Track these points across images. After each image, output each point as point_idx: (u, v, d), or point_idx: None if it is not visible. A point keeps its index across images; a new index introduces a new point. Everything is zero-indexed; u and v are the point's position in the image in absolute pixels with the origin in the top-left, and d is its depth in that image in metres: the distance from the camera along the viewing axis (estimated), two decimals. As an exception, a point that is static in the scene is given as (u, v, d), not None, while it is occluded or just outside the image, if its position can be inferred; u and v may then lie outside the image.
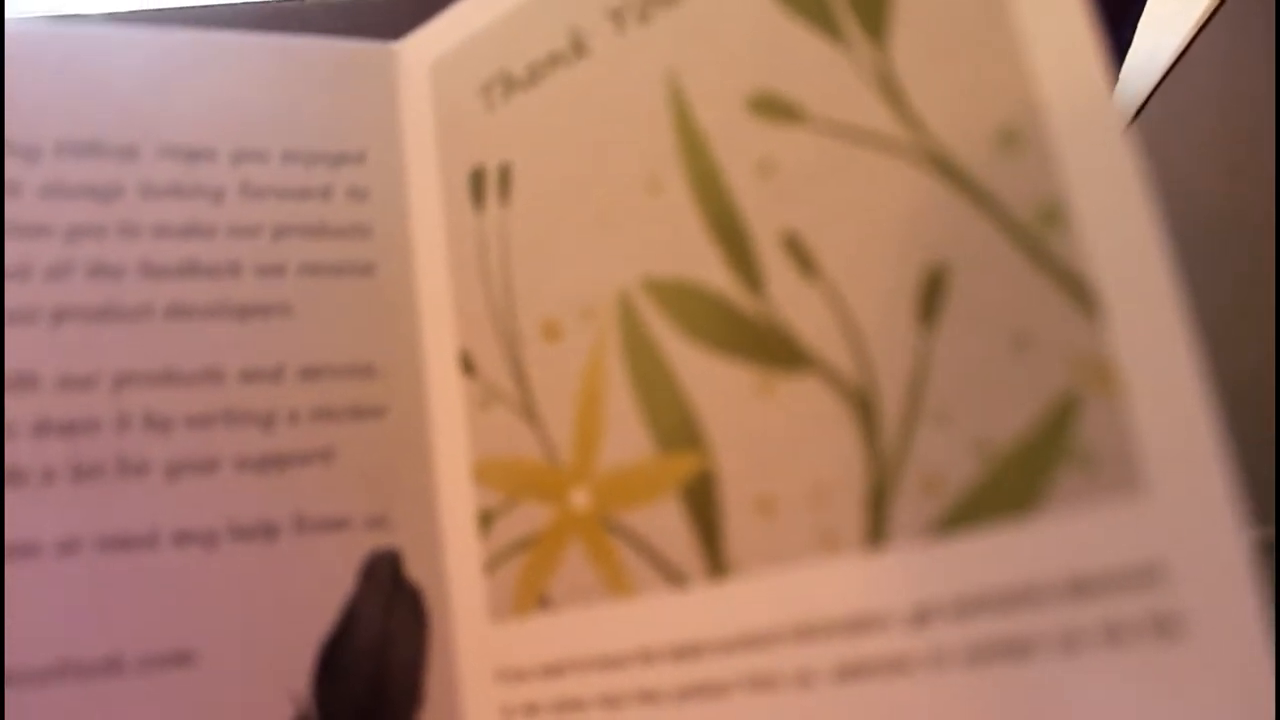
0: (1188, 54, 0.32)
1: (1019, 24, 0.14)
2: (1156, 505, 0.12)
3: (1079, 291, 0.13)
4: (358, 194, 0.19)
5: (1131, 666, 0.12)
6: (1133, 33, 0.28)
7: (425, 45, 0.20)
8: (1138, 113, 0.34)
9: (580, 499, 0.17)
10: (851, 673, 0.14)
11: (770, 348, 0.15)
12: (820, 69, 0.15)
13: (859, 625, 0.14)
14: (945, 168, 0.14)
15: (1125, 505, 0.13)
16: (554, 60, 0.18)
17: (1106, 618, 0.13)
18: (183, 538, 0.17)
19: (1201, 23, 0.32)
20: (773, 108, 0.16)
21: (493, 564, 0.17)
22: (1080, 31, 0.14)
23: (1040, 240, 0.13)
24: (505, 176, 0.18)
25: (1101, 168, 0.13)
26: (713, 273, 0.16)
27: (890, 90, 0.15)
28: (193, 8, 0.25)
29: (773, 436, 0.15)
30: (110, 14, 0.25)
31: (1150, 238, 0.13)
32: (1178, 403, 0.12)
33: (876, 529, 0.14)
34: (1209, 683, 0.12)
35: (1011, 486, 0.13)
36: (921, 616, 0.14)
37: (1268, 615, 0.12)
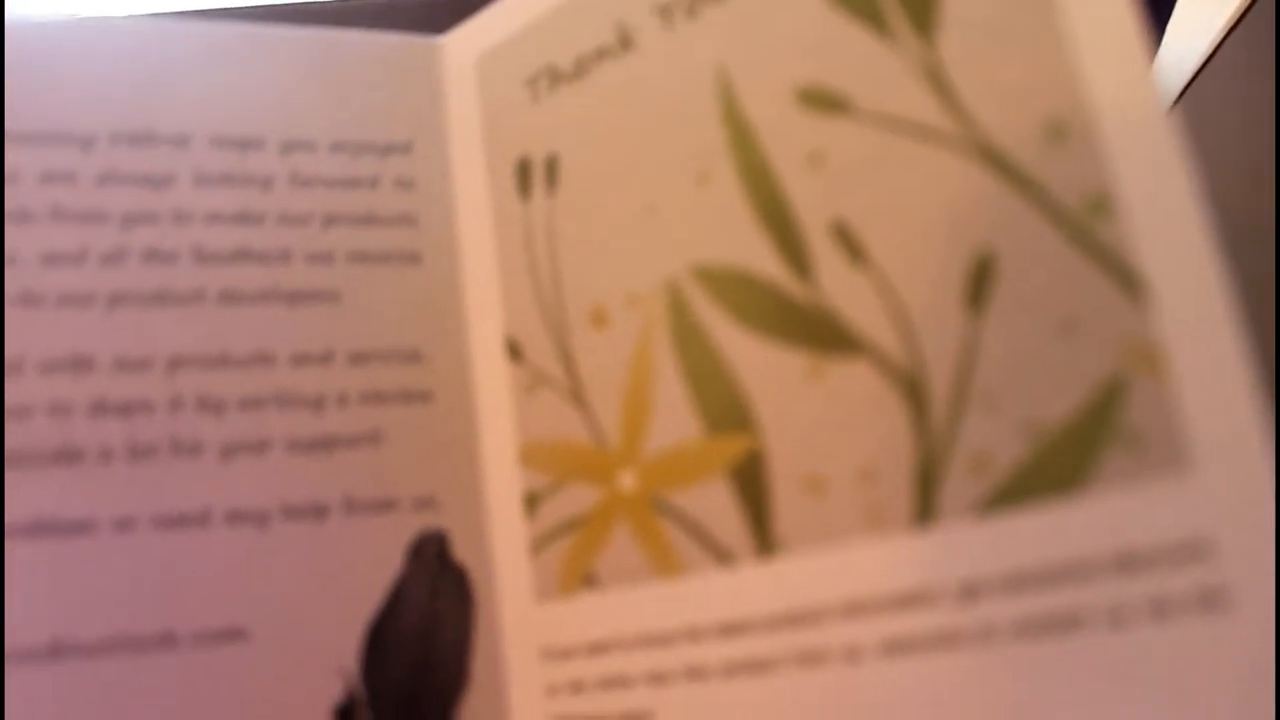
0: (1214, 59, 0.33)
1: (1066, 20, 0.14)
2: (1202, 483, 0.13)
3: (1126, 278, 0.14)
4: (404, 184, 0.20)
5: (1178, 640, 0.13)
6: (1160, 37, 0.29)
7: (471, 39, 0.20)
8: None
9: (628, 480, 0.17)
10: (900, 648, 0.14)
11: (820, 333, 0.16)
12: (869, 63, 0.16)
13: (907, 602, 0.15)
14: (994, 159, 0.15)
15: (1171, 483, 0.13)
16: (601, 54, 0.18)
17: (1153, 592, 0.13)
18: (235, 517, 0.17)
19: (1228, 28, 0.33)
20: (822, 100, 0.16)
21: (539, 545, 0.18)
22: (1126, 26, 0.14)
23: (1087, 229, 0.14)
24: (552, 167, 0.19)
25: (1147, 159, 0.14)
26: (762, 260, 0.16)
27: (939, 84, 0.15)
28: (244, 7, 0.25)
29: (822, 418, 0.15)
30: (158, 13, 0.26)
31: (1195, 226, 0.13)
32: (1222, 384, 0.13)
33: (925, 508, 0.15)
34: (1255, 654, 0.12)
35: (1059, 466, 0.14)
36: (970, 593, 0.14)
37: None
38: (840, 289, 0.16)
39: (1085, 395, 0.14)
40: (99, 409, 0.17)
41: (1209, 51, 0.33)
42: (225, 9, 0.25)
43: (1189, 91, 0.33)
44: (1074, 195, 0.14)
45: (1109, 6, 0.14)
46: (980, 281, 0.14)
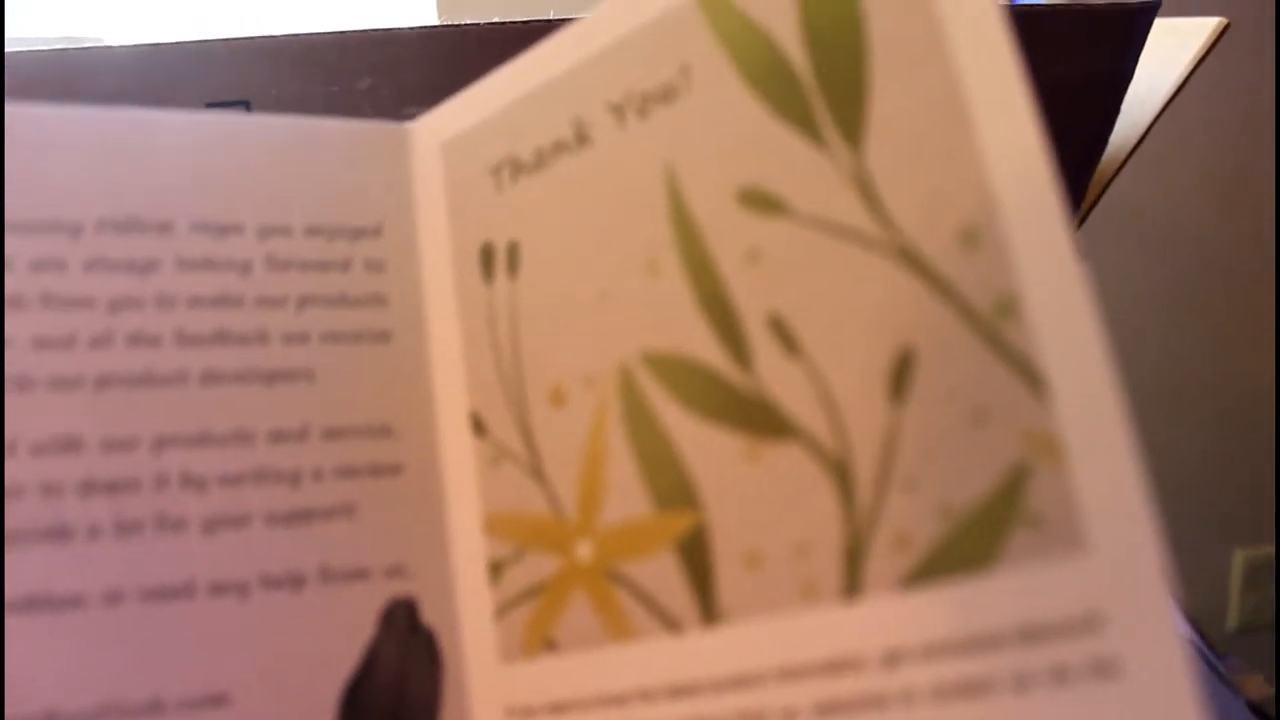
0: (1186, 86, 0.35)
1: (979, 135, 0.16)
2: (1097, 562, 0.15)
3: (1029, 374, 0.15)
4: (375, 266, 0.21)
5: (1075, 704, 0.15)
6: (1134, 65, 0.30)
7: (437, 127, 0.22)
8: (1138, 143, 0.36)
9: (584, 551, 0.19)
10: (831, 710, 0.16)
11: (757, 418, 0.17)
12: (803, 168, 0.17)
13: (837, 667, 0.16)
14: (913, 261, 0.16)
15: (1070, 562, 0.15)
16: (559, 148, 0.20)
17: (1053, 661, 0.15)
18: (218, 588, 0.19)
19: (1199, 57, 0.35)
20: (760, 201, 0.18)
21: (503, 610, 0.19)
22: (1032, 144, 0.16)
23: (996, 329, 0.16)
24: (513, 253, 0.20)
25: (1050, 265, 0.15)
26: (705, 349, 0.18)
27: (865, 190, 0.17)
28: (232, 40, 0.27)
29: (760, 497, 0.17)
30: (151, 45, 0.27)
31: (1091, 328, 0.15)
32: (1113, 472, 0.15)
33: (852, 581, 0.16)
34: (1142, 717, 0.14)
35: (971, 545, 0.15)
36: (892, 660, 0.16)
37: (1190, 659, 0.14)
38: (776, 377, 0.17)
39: (994, 480, 0.15)
40: (88, 488, 0.19)
41: (1178, 83, 0.34)
42: (219, 40, 0.27)
43: (1163, 116, 0.35)
44: (985, 297, 0.16)
45: (1018, 126, 0.16)
46: (901, 374, 0.16)
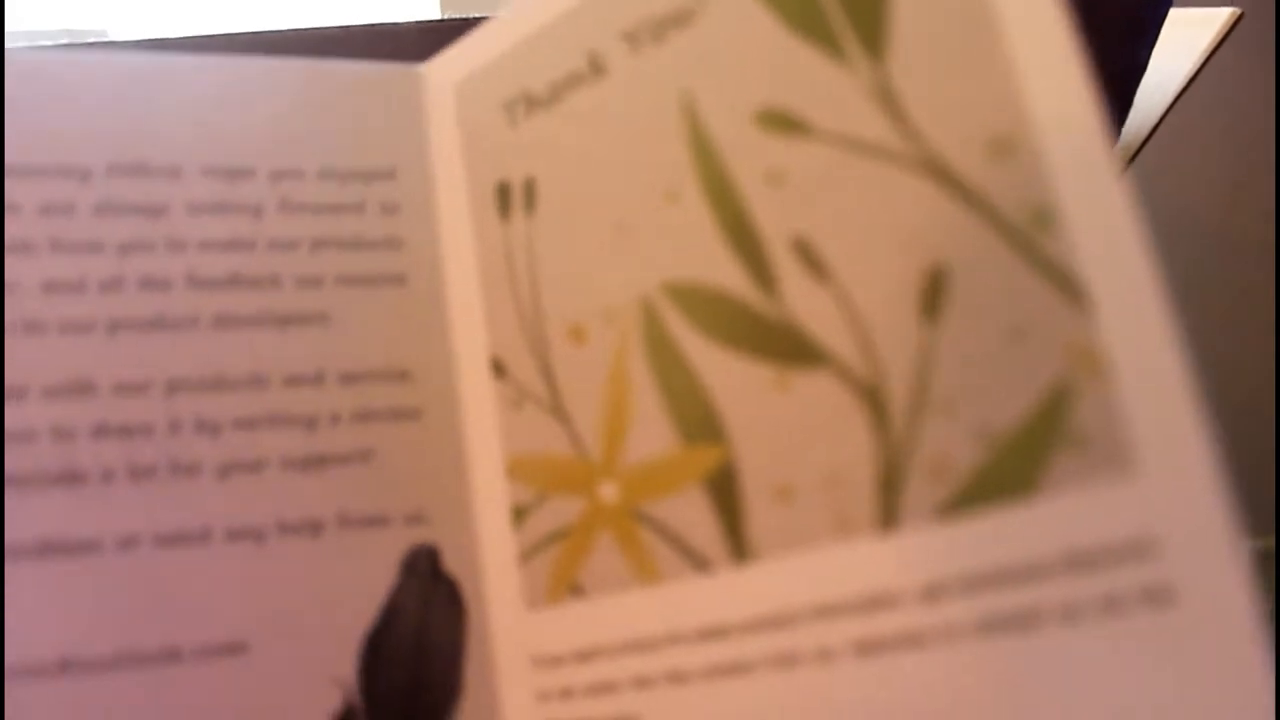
0: (1199, 77, 0.34)
1: (1007, 41, 0.15)
2: (1146, 483, 0.14)
3: (1069, 287, 0.14)
4: (389, 208, 0.21)
5: (1128, 634, 0.14)
6: (1149, 55, 0.30)
7: (449, 67, 0.21)
8: (1151, 133, 0.35)
9: (609, 492, 0.18)
10: (869, 649, 0.15)
11: (785, 346, 0.17)
12: (824, 85, 0.17)
13: (874, 604, 0.15)
14: (943, 176, 0.16)
15: (1117, 484, 0.14)
16: (573, 80, 0.19)
17: (1103, 590, 0.14)
18: (233, 534, 0.18)
19: (1212, 48, 0.34)
20: (780, 122, 0.17)
21: (526, 556, 0.19)
22: (1064, 47, 0.15)
23: (1033, 241, 0.15)
24: (530, 189, 0.20)
25: (1087, 173, 0.15)
26: (729, 276, 0.17)
27: (889, 104, 0.16)
28: (235, 35, 0.27)
29: (789, 429, 0.16)
30: (155, 40, 0.27)
31: (1133, 236, 0.14)
32: (1162, 387, 0.14)
33: (888, 513, 0.16)
34: (1199, 646, 0.13)
35: (1013, 470, 0.15)
36: (933, 594, 0.15)
37: (1252, 582, 0.13)
38: (803, 303, 0.17)
39: (1035, 400, 0.15)
40: (101, 432, 0.18)
41: (1195, 68, 0.34)
42: (222, 35, 0.27)
43: (1177, 106, 0.34)
44: (1019, 209, 0.15)
45: (1048, 29, 0.15)
46: (934, 293, 0.15)
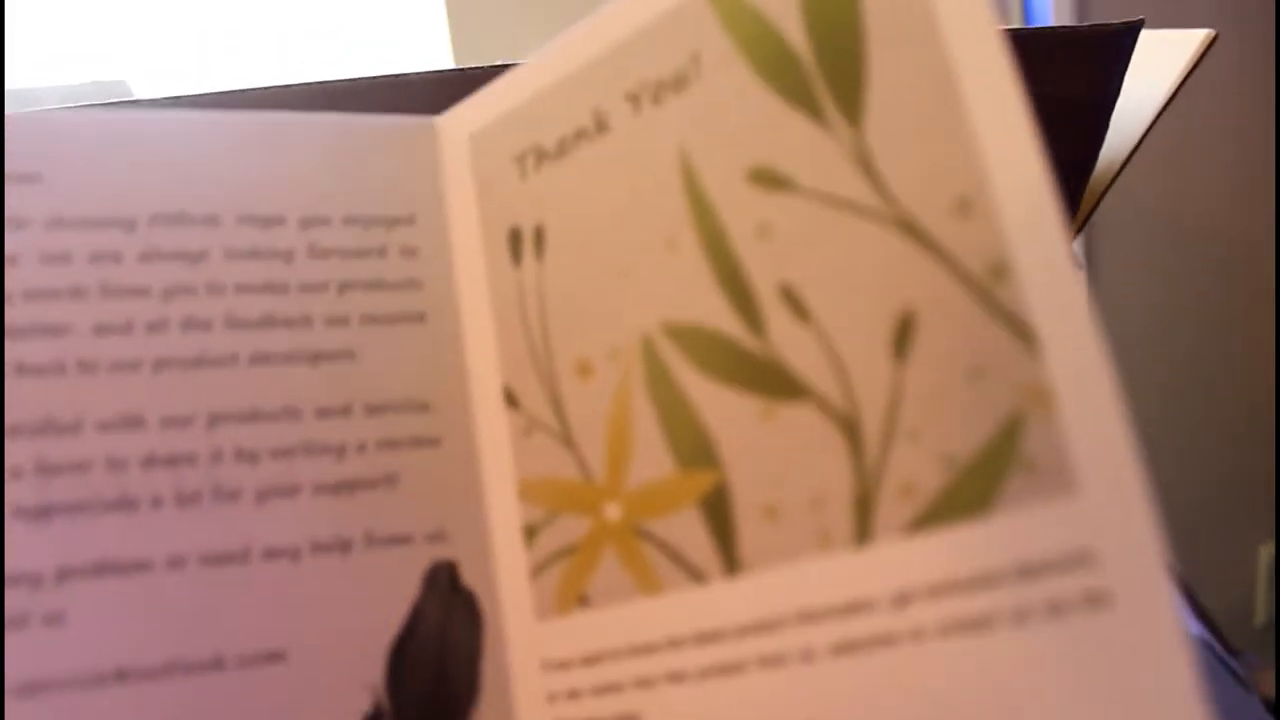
0: (1173, 102, 0.36)
1: (969, 111, 0.18)
2: (1086, 502, 0.16)
3: (1021, 331, 0.17)
4: (409, 252, 0.23)
5: (1070, 634, 0.16)
6: (1119, 86, 0.32)
7: (463, 120, 0.24)
8: (1132, 153, 0.37)
9: (613, 511, 0.20)
10: (846, 649, 0.18)
11: (772, 380, 0.19)
12: (808, 147, 0.19)
13: (851, 609, 0.18)
14: (912, 231, 0.18)
15: (1062, 504, 0.16)
16: (579, 136, 0.22)
17: (1049, 596, 0.16)
18: (271, 554, 0.21)
19: (1188, 69, 0.36)
20: (769, 179, 0.19)
21: (537, 570, 0.21)
22: (1019, 119, 0.17)
23: (990, 290, 0.17)
24: (539, 236, 0.22)
25: (1038, 231, 0.17)
26: (722, 318, 0.20)
27: (866, 166, 0.18)
28: (261, 89, 0.29)
29: (776, 454, 0.19)
30: (183, 97, 0.29)
31: (1076, 287, 0.17)
32: (1101, 419, 0.16)
33: (863, 529, 0.18)
34: (1132, 644, 0.16)
35: (971, 491, 0.17)
36: (902, 600, 0.17)
37: (1175, 589, 0.16)
38: (788, 342, 0.19)
39: (991, 430, 0.17)
40: (150, 462, 0.20)
41: (1168, 94, 0.36)
42: (251, 90, 0.29)
43: (1154, 128, 0.36)
44: (979, 262, 0.17)
45: (1005, 103, 0.17)
46: (904, 335, 0.18)
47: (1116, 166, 0.37)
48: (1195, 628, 0.47)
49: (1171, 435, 1.18)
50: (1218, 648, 0.46)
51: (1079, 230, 0.37)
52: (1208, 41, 0.36)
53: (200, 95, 0.29)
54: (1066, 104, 0.32)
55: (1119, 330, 1.13)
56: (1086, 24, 0.32)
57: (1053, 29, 0.32)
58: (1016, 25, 1.11)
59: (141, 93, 0.55)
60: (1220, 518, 1.19)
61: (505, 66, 0.24)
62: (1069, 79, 0.32)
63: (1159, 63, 0.37)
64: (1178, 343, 1.17)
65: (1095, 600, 0.16)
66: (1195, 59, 0.36)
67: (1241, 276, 1.15)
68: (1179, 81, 0.36)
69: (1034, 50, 0.31)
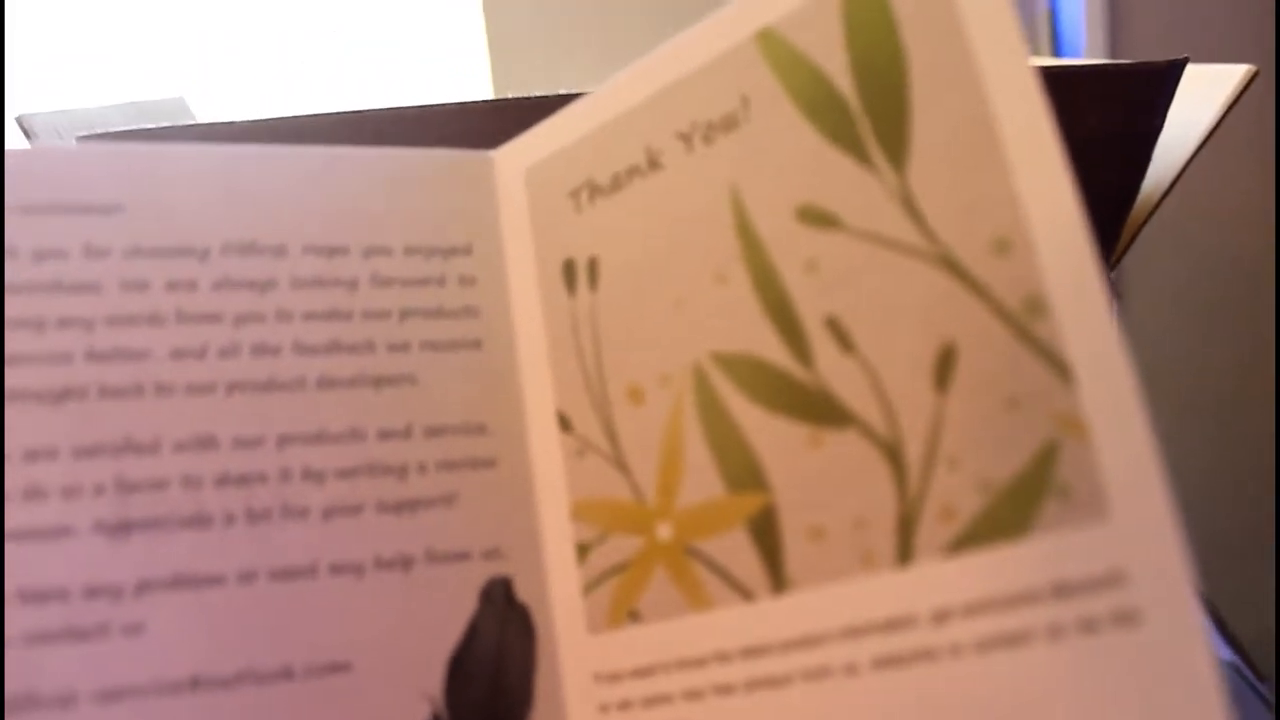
0: (1213, 137, 0.37)
1: (1007, 154, 0.19)
2: (1118, 526, 0.18)
3: (1056, 364, 0.18)
4: (467, 280, 0.25)
5: (1103, 650, 0.17)
6: (1163, 119, 0.34)
7: (519, 155, 0.25)
8: (1172, 185, 0.39)
9: (664, 531, 0.22)
10: (888, 663, 0.19)
11: (818, 409, 0.21)
12: (854, 187, 0.21)
13: (892, 626, 0.19)
14: (953, 268, 0.19)
15: (1095, 527, 0.18)
16: (632, 172, 0.23)
17: (1082, 614, 0.18)
18: (337, 569, 0.22)
19: (1229, 103, 0.37)
20: (816, 217, 0.21)
21: (589, 586, 0.23)
22: (1055, 162, 0.19)
23: (1027, 325, 0.19)
24: (593, 268, 0.24)
25: (1073, 268, 0.18)
26: (771, 349, 0.21)
27: (909, 206, 0.20)
28: (326, 115, 0.30)
29: (822, 479, 0.20)
30: (251, 122, 0.31)
31: (1109, 322, 0.18)
32: (1132, 448, 0.18)
33: (904, 550, 0.19)
34: (1161, 658, 0.17)
35: (1008, 514, 0.18)
36: (941, 618, 0.19)
37: (1204, 613, 0.17)
38: (834, 373, 0.20)
39: (1027, 457, 0.18)
40: (223, 481, 0.22)
41: (1210, 127, 0.37)
42: (313, 116, 0.30)
43: (1194, 161, 0.37)
44: (1016, 297, 0.19)
45: (1042, 147, 0.19)
46: (944, 367, 0.19)
47: (1157, 197, 0.39)
48: (1225, 652, 0.48)
49: (1202, 461, 1.19)
50: (1247, 673, 0.48)
51: (1119, 259, 0.39)
52: (1248, 77, 0.38)
53: (271, 120, 0.31)
54: (1112, 136, 0.34)
55: (1150, 357, 1.14)
56: (1133, 61, 0.33)
57: (1100, 65, 0.34)
58: (1046, 54, 1.13)
59: (198, 109, 0.58)
60: (1253, 545, 1.20)
61: (559, 96, 0.26)
62: (1115, 112, 0.34)
63: (1199, 97, 0.38)
64: (1212, 369, 1.18)
65: (1125, 619, 0.17)
66: (1236, 94, 0.38)
67: (1269, 306, 1.16)
68: (1220, 116, 0.38)
69: (1082, 84, 0.33)
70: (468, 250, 0.25)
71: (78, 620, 0.21)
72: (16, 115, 0.39)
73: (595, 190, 0.24)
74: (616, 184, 0.24)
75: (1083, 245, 0.18)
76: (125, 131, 0.31)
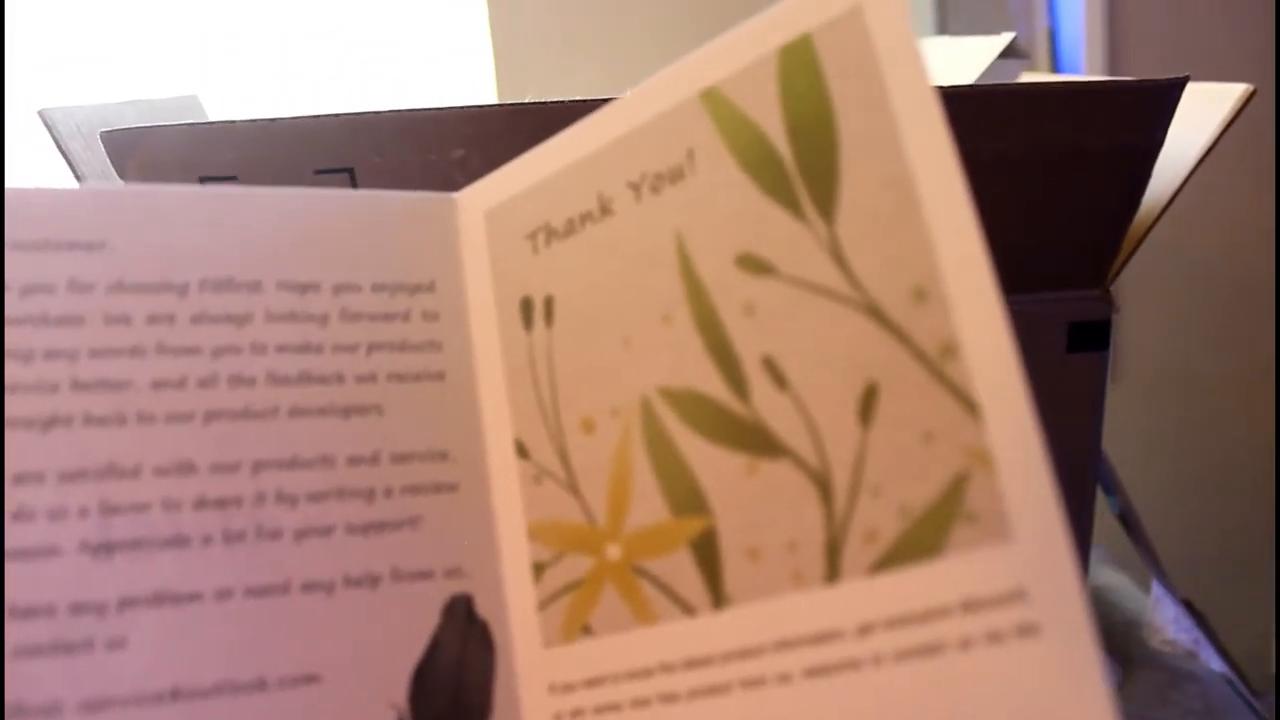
0: (1212, 152, 0.39)
1: (925, 212, 0.22)
2: (1019, 548, 0.20)
3: (966, 402, 0.21)
4: (430, 316, 0.27)
5: (1006, 658, 0.20)
6: (1164, 136, 0.35)
7: (480, 197, 0.28)
8: (1170, 201, 0.40)
9: (614, 551, 0.24)
10: (817, 673, 0.22)
11: (755, 440, 0.23)
12: (788, 238, 0.23)
13: (821, 639, 0.22)
14: (876, 314, 0.22)
15: (999, 549, 0.20)
16: (585, 218, 0.26)
17: (989, 626, 0.20)
18: (308, 586, 0.24)
19: (1227, 122, 0.39)
20: (754, 264, 0.23)
21: (545, 603, 0.25)
22: (967, 218, 0.21)
23: (941, 367, 0.21)
24: (549, 306, 0.26)
25: (983, 315, 0.21)
26: (711, 385, 0.24)
27: (838, 256, 0.23)
28: (338, 115, 0.32)
29: (758, 504, 0.23)
30: (270, 120, 0.33)
31: (1013, 366, 0.21)
32: (1032, 477, 0.20)
33: (832, 570, 0.22)
34: (1056, 665, 0.20)
35: (924, 537, 0.21)
36: (865, 631, 0.21)
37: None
38: (769, 408, 0.23)
39: (941, 486, 0.21)
40: (201, 504, 0.24)
41: (1207, 145, 0.39)
42: (327, 116, 0.32)
43: (1192, 178, 0.39)
44: (932, 342, 0.21)
45: (955, 204, 0.21)
46: (868, 403, 0.22)
47: (1157, 212, 0.40)
48: (1219, 665, 0.50)
49: (1201, 475, 1.22)
50: (1240, 686, 0.50)
51: (1119, 273, 0.40)
52: (1246, 96, 0.40)
53: (290, 119, 0.32)
54: (1113, 152, 0.36)
55: (1148, 370, 1.17)
56: (1135, 79, 0.35)
57: (1105, 82, 0.36)
58: (1046, 71, 1.15)
59: (211, 106, 0.59)
60: (1252, 554, 1.22)
61: (578, 102, 0.27)
62: (1116, 129, 0.35)
63: (1199, 114, 0.40)
64: (1210, 383, 1.21)
65: (1026, 631, 0.20)
66: (1234, 112, 0.40)
67: (1268, 319, 1.19)
68: (1218, 133, 0.39)
69: (1085, 101, 0.35)
70: (431, 288, 0.27)
71: (64, 635, 0.23)
72: (39, 109, 0.41)
73: (551, 233, 0.26)
74: (571, 228, 0.26)
75: (991, 294, 0.21)
76: (139, 129, 0.33)
